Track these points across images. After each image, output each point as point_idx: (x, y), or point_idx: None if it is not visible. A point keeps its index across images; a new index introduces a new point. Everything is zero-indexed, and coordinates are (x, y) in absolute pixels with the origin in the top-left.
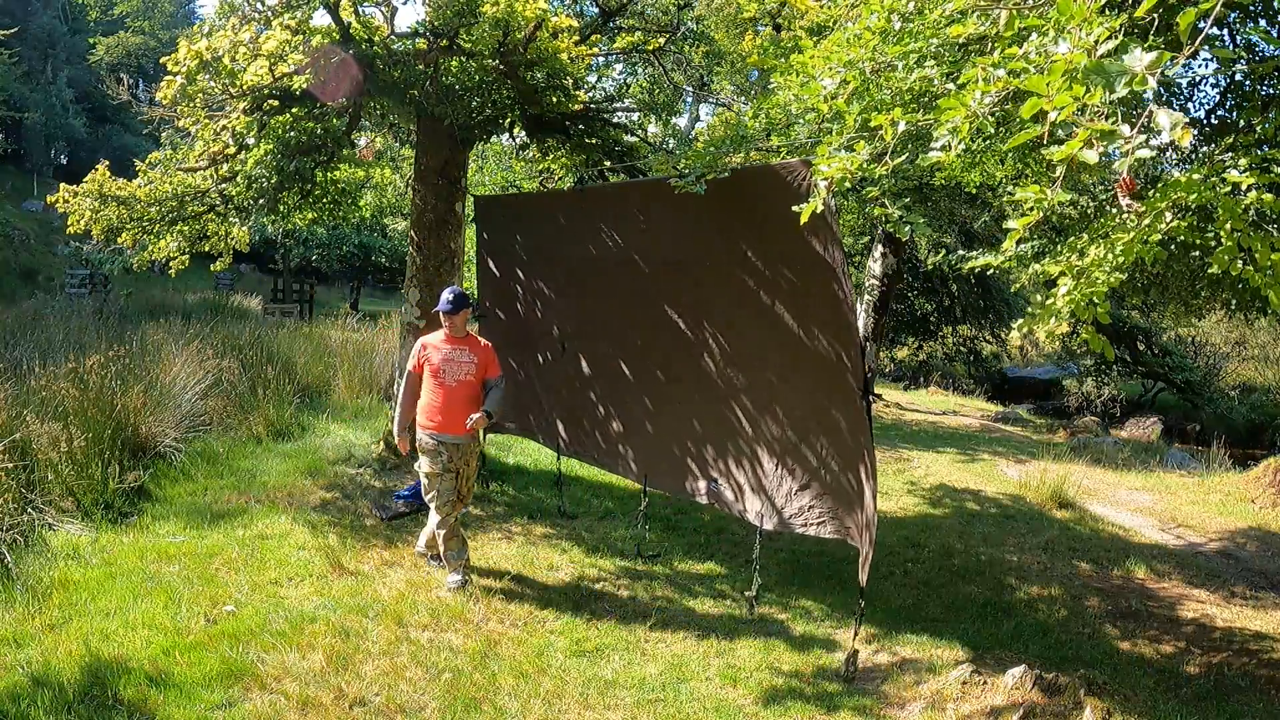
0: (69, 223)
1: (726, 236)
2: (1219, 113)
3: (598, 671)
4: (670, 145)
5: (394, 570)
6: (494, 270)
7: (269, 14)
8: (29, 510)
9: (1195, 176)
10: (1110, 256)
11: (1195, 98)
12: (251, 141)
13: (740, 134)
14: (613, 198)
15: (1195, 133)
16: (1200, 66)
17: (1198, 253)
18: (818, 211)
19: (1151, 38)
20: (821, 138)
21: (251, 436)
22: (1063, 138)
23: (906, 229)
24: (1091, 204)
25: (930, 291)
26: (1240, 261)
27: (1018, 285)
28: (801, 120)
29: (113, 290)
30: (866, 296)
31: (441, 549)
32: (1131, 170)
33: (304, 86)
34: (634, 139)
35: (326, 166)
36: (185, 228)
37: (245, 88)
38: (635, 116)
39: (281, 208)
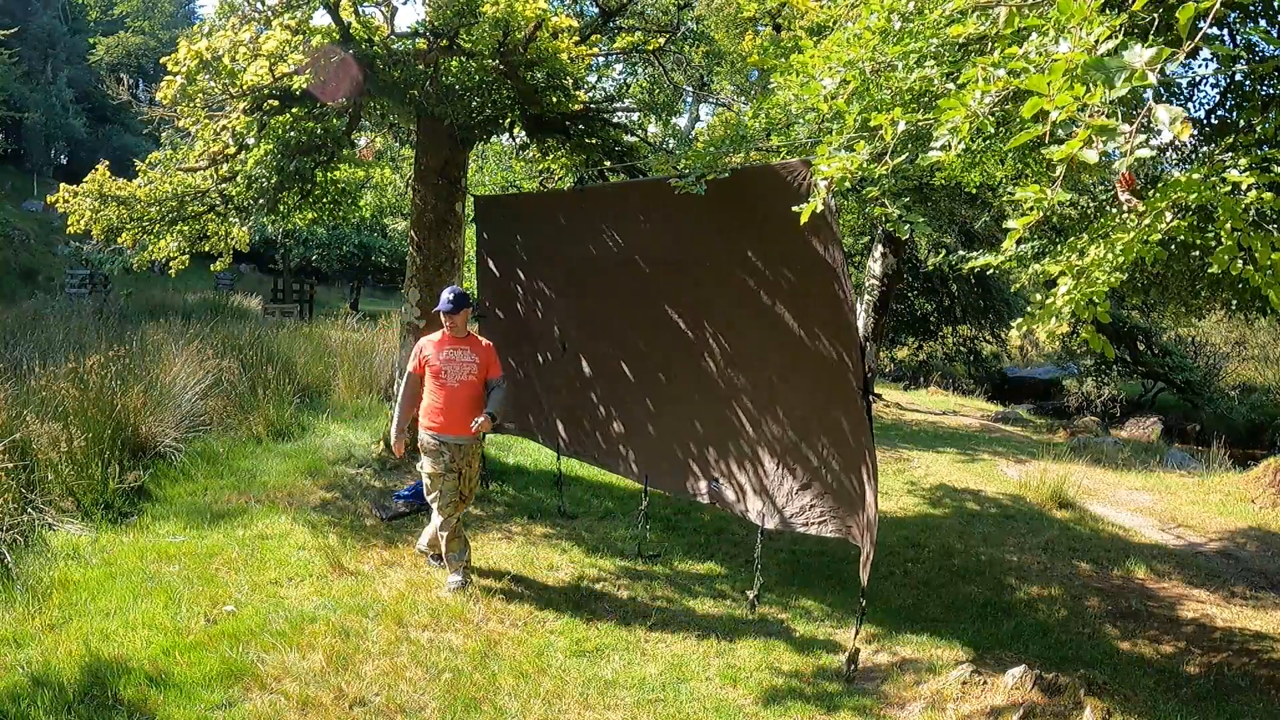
0: (69, 223)
1: (727, 236)
2: (1219, 113)
3: (598, 671)
4: (670, 145)
5: (394, 570)
6: (494, 270)
7: (269, 14)
8: (29, 510)
9: (1195, 176)
10: (1110, 256)
11: (1195, 98)
12: (251, 141)
13: (740, 134)
14: (613, 198)
15: (1195, 132)
16: (1200, 66)
17: (1197, 253)
18: (817, 211)
19: (1151, 37)
20: (821, 138)
21: (251, 436)
22: (1063, 137)
23: (906, 228)
24: (1092, 204)
25: (930, 291)
26: (1240, 261)
27: (1018, 285)
28: (801, 120)
29: (113, 290)
30: (866, 296)
31: (443, 550)
32: (1131, 169)
33: (304, 86)
34: (634, 139)
35: (326, 166)
36: (185, 228)
37: (245, 88)
38: (635, 116)
39: (281, 208)
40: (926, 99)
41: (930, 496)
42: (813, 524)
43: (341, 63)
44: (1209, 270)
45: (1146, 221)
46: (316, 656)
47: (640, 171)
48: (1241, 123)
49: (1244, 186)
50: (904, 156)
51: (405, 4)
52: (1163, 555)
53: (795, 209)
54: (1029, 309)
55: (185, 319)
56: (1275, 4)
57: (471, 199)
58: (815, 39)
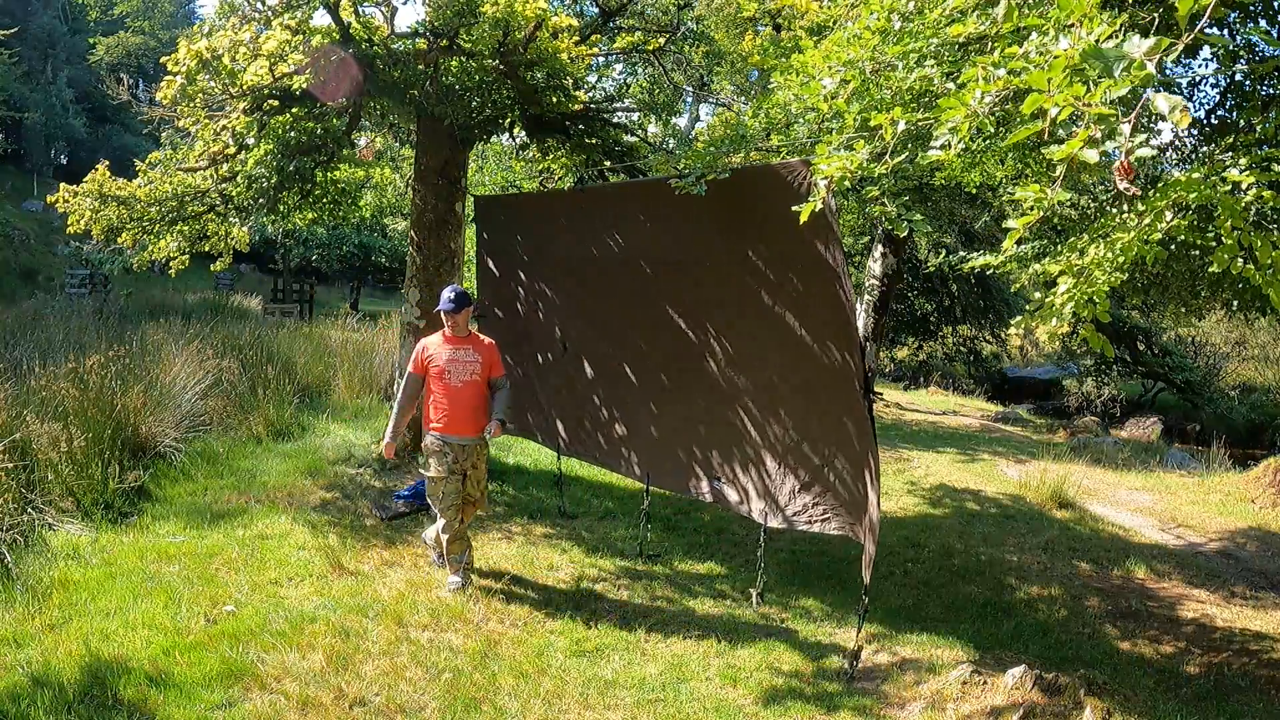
0: (69, 223)
1: (727, 236)
2: (1219, 113)
3: (598, 671)
4: (670, 145)
5: (394, 570)
6: (494, 270)
7: (269, 14)
8: (29, 510)
9: (1195, 175)
10: (1110, 256)
11: (1195, 98)
12: (251, 141)
13: (740, 134)
14: (613, 198)
15: (1195, 133)
16: (1200, 66)
17: (1197, 252)
18: (817, 211)
19: (1152, 34)
20: (821, 137)
21: (251, 436)
22: (1063, 137)
23: (905, 226)
24: (1092, 204)
25: (930, 291)
26: (1241, 260)
27: (1018, 285)
28: (801, 120)
29: (113, 290)
30: (866, 296)
31: (444, 551)
32: (1130, 160)
33: (304, 86)
34: (634, 139)
35: (326, 166)
36: (185, 228)
37: (245, 88)
38: (635, 116)
39: (281, 208)
40: (926, 99)
41: (930, 496)
42: (816, 522)
43: (341, 63)
44: (1209, 270)
45: (1147, 221)
46: (316, 656)
47: (640, 171)
48: (1241, 123)
49: (1244, 185)
50: (904, 156)
51: (405, 4)
52: (1163, 555)
53: (795, 208)
54: (1028, 308)
55: (185, 319)
56: (1275, 4)
57: (471, 199)
58: (815, 39)
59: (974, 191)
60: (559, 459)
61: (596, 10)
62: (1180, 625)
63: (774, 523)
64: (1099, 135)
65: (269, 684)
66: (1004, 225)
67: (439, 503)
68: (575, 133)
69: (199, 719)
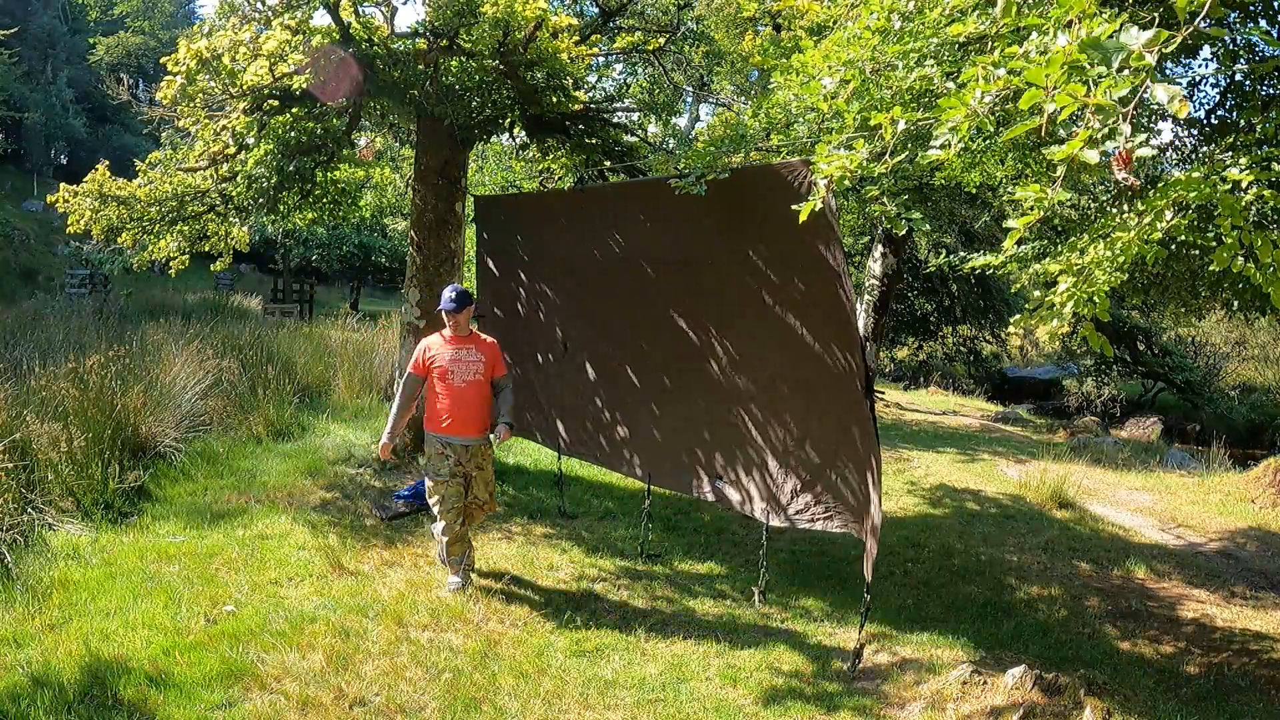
0: (69, 223)
1: (727, 236)
2: (1219, 113)
3: (598, 671)
4: (670, 145)
5: (394, 570)
6: (494, 270)
7: (269, 14)
8: (29, 510)
9: (1195, 175)
10: (1111, 255)
11: (1195, 98)
12: (251, 141)
13: (740, 134)
14: (613, 198)
15: (1195, 133)
16: (1200, 66)
17: (1197, 252)
18: (817, 210)
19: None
20: (821, 137)
21: (251, 436)
22: (1064, 137)
23: (904, 225)
24: (1092, 205)
25: (930, 291)
26: (1242, 258)
27: (1018, 286)
28: (801, 120)
29: (113, 290)
30: (866, 296)
31: (444, 553)
32: (1133, 171)
33: (304, 86)
34: (634, 139)
35: (326, 166)
36: (185, 228)
37: (245, 88)
38: (635, 116)
39: (281, 208)
40: (926, 99)
41: (930, 496)
42: (818, 520)
43: (341, 63)
44: (1209, 270)
45: (1147, 220)
46: (316, 656)
47: (640, 171)
48: (1241, 123)
49: (1244, 185)
50: (904, 156)
51: (405, 4)
52: (1163, 555)
53: (794, 207)
54: (1027, 306)
55: (185, 319)
56: (1275, 4)
57: (471, 199)
58: (815, 39)
59: (974, 191)
60: (559, 459)
61: (596, 10)
62: (1180, 625)
63: (776, 521)
64: (1098, 130)
65: (269, 684)
66: (1004, 225)
67: (439, 505)
68: (575, 133)
69: (199, 719)
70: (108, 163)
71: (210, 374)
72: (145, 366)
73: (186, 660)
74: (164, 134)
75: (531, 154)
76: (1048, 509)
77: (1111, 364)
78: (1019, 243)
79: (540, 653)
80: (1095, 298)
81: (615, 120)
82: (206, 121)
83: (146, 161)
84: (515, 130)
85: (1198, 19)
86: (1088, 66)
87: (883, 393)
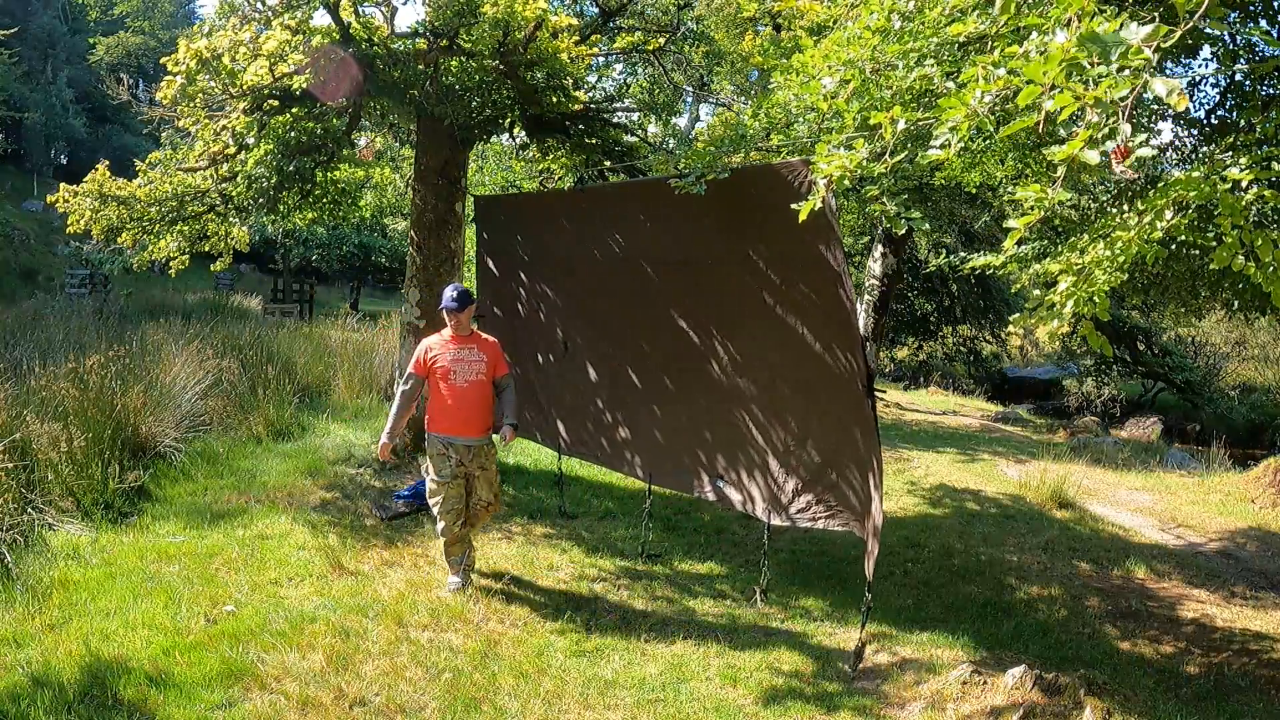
0: (69, 223)
1: (727, 236)
2: (1219, 113)
3: (598, 671)
4: (670, 145)
5: (394, 570)
6: (494, 270)
7: (269, 14)
8: (29, 510)
9: (1195, 174)
10: (1111, 255)
11: (1195, 98)
12: (251, 141)
13: (740, 134)
14: (614, 198)
15: (1195, 133)
16: (1200, 66)
17: (1197, 252)
18: (817, 210)
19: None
20: (821, 136)
21: (251, 436)
22: (1064, 137)
23: (904, 224)
24: (1092, 205)
25: (930, 291)
26: (1243, 257)
27: (1018, 286)
28: (802, 119)
29: (113, 290)
30: (866, 296)
31: (444, 553)
32: (1131, 165)
33: (304, 86)
34: (634, 139)
35: (326, 166)
36: (185, 228)
37: (245, 88)
38: (635, 116)
39: (281, 208)
40: (926, 98)
41: (930, 496)
42: (820, 518)
43: (341, 63)
44: (1209, 270)
45: (1147, 220)
46: (316, 656)
47: (640, 171)
48: (1241, 123)
49: (1244, 184)
50: (904, 155)
51: (405, 4)
52: (1163, 555)
53: (794, 206)
54: (1027, 305)
55: (185, 319)
56: (1275, 4)
57: (471, 199)
58: (815, 39)
59: (974, 191)
60: (559, 459)
61: (596, 10)
62: (1180, 625)
63: (777, 521)
64: (1098, 123)
65: (269, 684)
66: (1004, 225)
67: (438, 507)
68: (575, 133)
69: (199, 719)
70: (108, 163)
71: (210, 374)
72: (145, 366)
73: (186, 660)
74: (164, 134)
75: (531, 154)
76: (1048, 509)
77: (1111, 364)
78: (1019, 243)
79: (540, 653)
80: (1095, 297)
81: (615, 120)
82: (206, 121)
83: (146, 161)
84: (515, 130)
85: (1196, 15)
86: (1087, 66)
87: (884, 390)
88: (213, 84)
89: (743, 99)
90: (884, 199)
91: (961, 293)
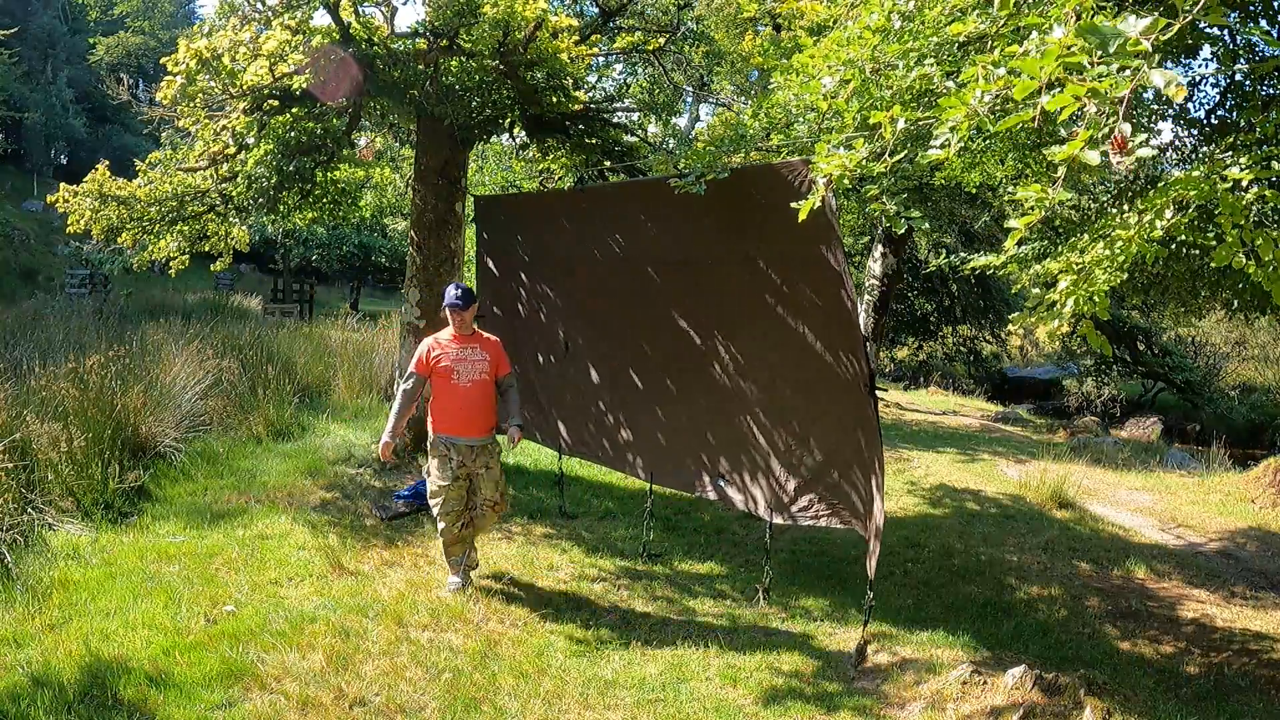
0: (69, 223)
1: (728, 236)
2: (1219, 113)
3: (598, 671)
4: (670, 145)
5: (394, 570)
6: (494, 270)
7: (269, 14)
8: (29, 510)
9: (1196, 174)
10: (1111, 254)
11: (1195, 98)
12: (251, 141)
13: (740, 134)
14: (614, 198)
15: (1195, 133)
16: (1200, 66)
17: (1197, 252)
18: (817, 209)
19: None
20: (821, 136)
21: (251, 436)
22: (1064, 137)
23: (904, 223)
24: (1092, 205)
25: (930, 291)
26: (1243, 256)
27: (1018, 286)
28: (802, 119)
29: (113, 290)
30: (866, 296)
31: (444, 553)
32: (1130, 167)
33: (304, 86)
34: (634, 139)
35: (326, 166)
36: (185, 228)
37: (245, 88)
38: (635, 116)
39: (281, 208)
40: (926, 98)
41: (930, 496)
42: (822, 516)
43: (341, 63)
44: (1209, 269)
45: (1147, 219)
46: (316, 656)
47: (640, 171)
48: (1242, 123)
49: (1245, 184)
50: (903, 155)
51: (405, 4)
52: (1163, 555)
53: (794, 205)
54: (1026, 304)
55: (185, 319)
56: (1275, 4)
57: (471, 199)
58: (815, 39)
59: (974, 191)
60: (560, 459)
61: (596, 10)
62: (1180, 625)
63: (779, 520)
64: (1098, 120)
65: (269, 684)
66: (1004, 225)
67: (439, 508)
68: (575, 133)
69: (199, 719)
70: (108, 163)
71: (210, 374)
72: (145, 366)
73: (186, 660)
74: (164, 134)
75: (531, 154)
76: (1048, 509)
77: (1111, 364)
78: (1019, 243)
79: (540, 653)
80: (1095, 296)
81: (615, 120)
82: (206, 121)
83: (146, 161)
84: (515, 130)
85: (1196, 8)
86: (1087, 66)
87: (885, 389)
88: (213, 84)
89: (743, 99)
90: (884, 199)
91: (961, 293)
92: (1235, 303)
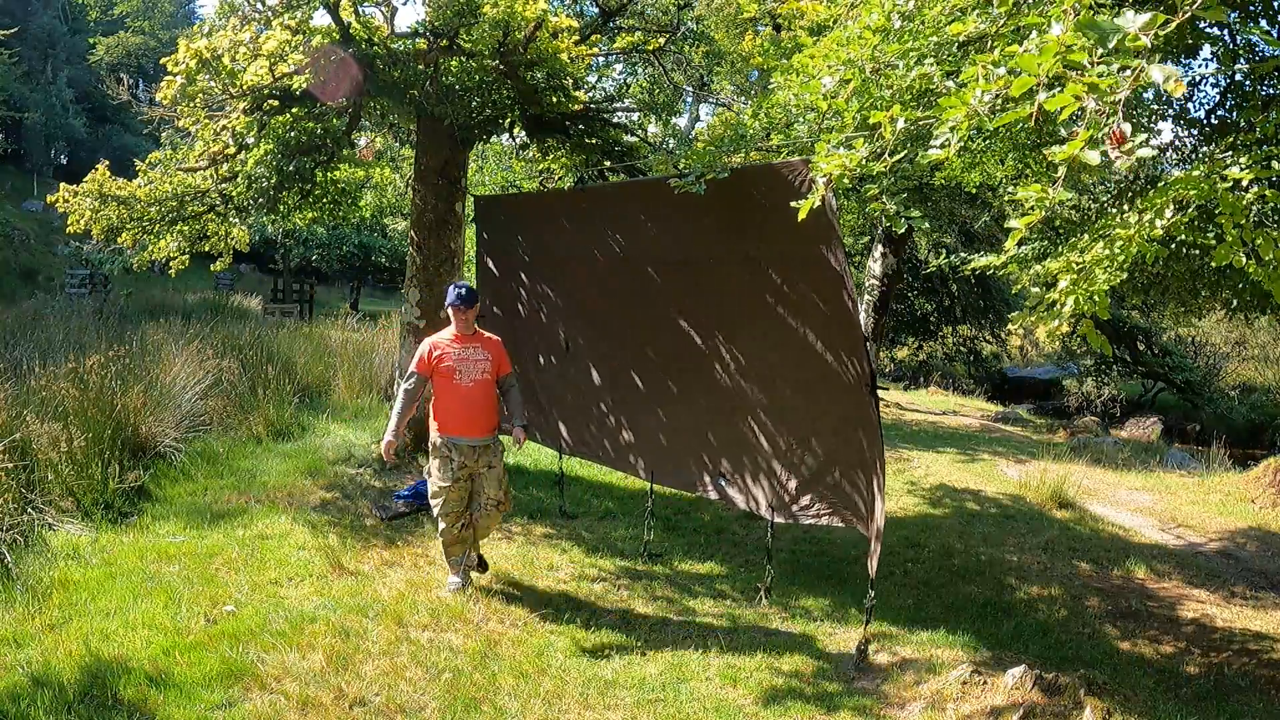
0: (69, 223)
1: (728, 236)
2: (1219, 113)
3: (598, 671)
4: (670, 145)
5: (394, 570)
6: (494, 270)
7: (269, 14)
8: (29, 510)
9: (1196, 174)
10: (1111, 254)
11: (1195, 98)
12: (251, 141)
13: (740, 134)
14: (614, 198)
15: (1195, 133)
16: (1200, 66)
17: (1197, 252)
18: (817, 209)
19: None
20: (821, 136)
21: (251, 436)
22: (1064, 137)
23: (904, 223)
24: (1092, 205)
25: (930, 291)
26: (1243, 256)
27: (1018, 286)
28: (801, 119)
29: (113, 290)
30: (866, 296)
31: (444, 553)
32: (1130, 167)
33: (304, 86)
34: (634, 139)
35: (326, 166)
36: (185, 228)
37: (245, 88)
38: (635, 116)
39: (281, 208)
40: (926, 98)
41: (930, 496)
42: (823, 515)
43: (341, 63)
44: (1209, 269)
45: (1147, 218)
46: (316, 656)
47: (640, 171)
48: (1242, 122)
49: (1245, 183)
50: (903, 155)
51: (405, 4)
52: (1163, 555)
53: (794, 204)
54: (1026, 304)
55: (185, 319)
56: (1275, 4)
57: (471, 199)
58: (815, 39)
59: (974, 191)
60: (560, 459)
61: (596, 10)
62: (1180, 625)
63: (780, 519)
64: (1098, 118)
65: (269, 684)
66: (1005, 225)
67: (439, 509)
68: (575, 133)
69: (199, 719)
70: (108, 163)
71: (210, 374)
72: (145, 366)
73: (186, 660)
74: (164, 134)
75: (531, 154)
76: (1048, 509)
77: (1111, 364)
78: (1020, 243)
79: (540, 653)
80: (1095, 296)
81: (615, 120)
82: (206, 121)
83: (146, 161)
84: (515, 130)
85: (1195, 5)
86: (1087, 66)
87: (885, 388)
88: (213, 84)
89: (743, 99)
90: (884, 198)
91: (961, 293)
92: (1235, 302)
